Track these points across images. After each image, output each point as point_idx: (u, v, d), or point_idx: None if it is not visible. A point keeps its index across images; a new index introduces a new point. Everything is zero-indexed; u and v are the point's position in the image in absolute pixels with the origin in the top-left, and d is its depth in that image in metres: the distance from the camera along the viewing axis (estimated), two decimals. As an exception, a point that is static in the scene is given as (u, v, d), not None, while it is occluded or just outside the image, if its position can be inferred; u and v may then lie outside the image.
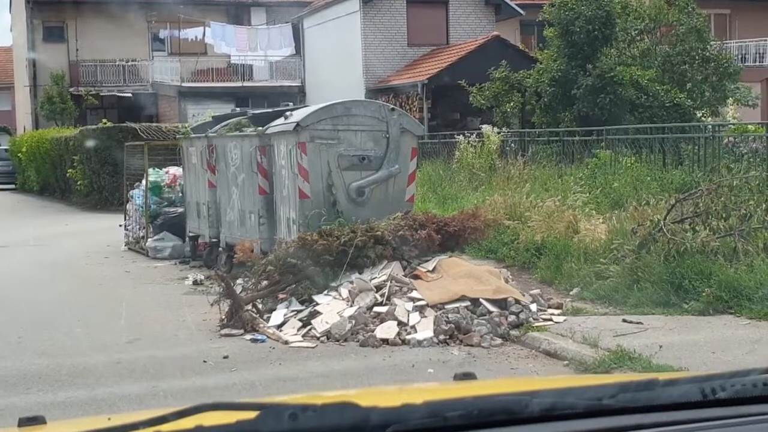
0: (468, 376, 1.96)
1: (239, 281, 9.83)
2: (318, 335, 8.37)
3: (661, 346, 7.18)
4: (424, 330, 8.24)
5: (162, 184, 15.48)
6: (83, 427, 1.45)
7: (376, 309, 8.64)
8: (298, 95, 33.74)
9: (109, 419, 1.56)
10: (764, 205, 9.91)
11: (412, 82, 27.97)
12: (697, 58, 21.34)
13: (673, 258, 9.14)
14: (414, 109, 26.62)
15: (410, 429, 1.34)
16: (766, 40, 32.33)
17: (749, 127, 16.01)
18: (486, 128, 18.86)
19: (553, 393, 1.49)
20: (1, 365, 7.65)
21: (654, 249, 9.39)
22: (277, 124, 11.08)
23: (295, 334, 8.47)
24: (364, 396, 1.50)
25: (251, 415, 1.31)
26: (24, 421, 1.77)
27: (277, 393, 6.43)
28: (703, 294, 8.53)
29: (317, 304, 8.90)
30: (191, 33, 35.78)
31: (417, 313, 8.53)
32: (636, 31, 21.75)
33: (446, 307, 8.56)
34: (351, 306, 8.69)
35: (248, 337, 8.44)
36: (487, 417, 1.38)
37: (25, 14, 36.33)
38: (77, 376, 7.23)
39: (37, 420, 1.77)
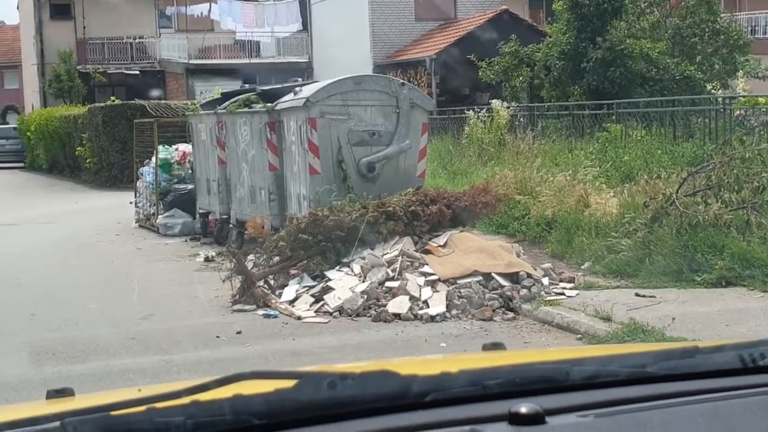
0: (497, 346, 1.96)
1: (250, 257, 9.83)
2: (330, 310, 8.39)
3: (674, 319, 7.18)
4: (437, 305, 8.24)
5: (172, 161, 15.47)
6: (113, 398, 1.44)
7: (388, 284, 8.64)
8: (306, 71, 33.60)
9: (139, 390, 1.55)
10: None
11: (420, 57, 27.84)
12: (707, 30, 21.18)
13: (685, 231, 9.11)
14: (422, 84, 26.50)
15: (451, 397, 1.33)
16: (776, 12, 32.05)
17: (760, 99, 15.89)
18: (495, 103, 18.79)
19: (595, 361, 1.48)
20: (14, 341, 7.69)
21: (666, 222, 9.36)
22: (287, 100, 11.03)
23: (308, 310, 8.49)
24: (401, 365, 1.49)
25: (290, 383, 1.30)
26: (52, 394, 1.76)
27: (291, 367, 6.44)
28: (716, 267, 8.51)
29: (329, 279, 8.90)
30: (197, 9, 35.67)
31: (429, 288, 8.54)
32: (645, 4, 21.58)
33: (458, 281, 8.56)
34: (363, 281, 8.69)
35: (261, 312, 8.46)
36: (529, 385, 1.37)
37: (32, -8, 36.24)
38: (91, 352, 7.26)
39: (65, 392, 1.76)
